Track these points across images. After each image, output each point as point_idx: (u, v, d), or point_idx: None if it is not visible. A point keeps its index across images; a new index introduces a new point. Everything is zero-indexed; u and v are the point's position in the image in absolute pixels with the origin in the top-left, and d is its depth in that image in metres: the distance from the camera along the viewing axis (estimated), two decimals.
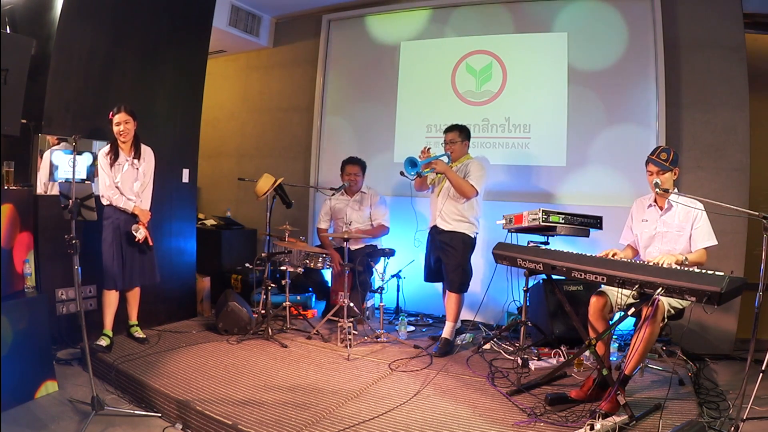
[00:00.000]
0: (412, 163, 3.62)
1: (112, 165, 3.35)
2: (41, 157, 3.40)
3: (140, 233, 3.37)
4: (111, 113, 3.33)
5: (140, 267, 3.48)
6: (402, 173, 3.71)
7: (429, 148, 3.72)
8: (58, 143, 3.44)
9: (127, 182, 3.41)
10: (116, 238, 3.37)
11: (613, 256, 2.79)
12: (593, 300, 2.76)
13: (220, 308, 3.90)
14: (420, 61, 4.97)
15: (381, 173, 4.94)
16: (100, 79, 3.65)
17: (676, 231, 2.86)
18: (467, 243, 3.69)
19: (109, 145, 3.39)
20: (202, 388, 2.83)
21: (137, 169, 3.45)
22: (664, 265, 2.49)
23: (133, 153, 3.43)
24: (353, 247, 4.25)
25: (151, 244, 3.48)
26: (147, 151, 3.52)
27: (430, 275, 3.89)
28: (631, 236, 3.06)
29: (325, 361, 3.37)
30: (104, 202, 3.35)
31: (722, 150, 3.95)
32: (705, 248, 2.79)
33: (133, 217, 3.41)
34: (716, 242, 2.79)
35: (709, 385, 3.12)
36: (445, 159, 3.75)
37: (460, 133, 3.75)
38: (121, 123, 3.32)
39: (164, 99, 4.12)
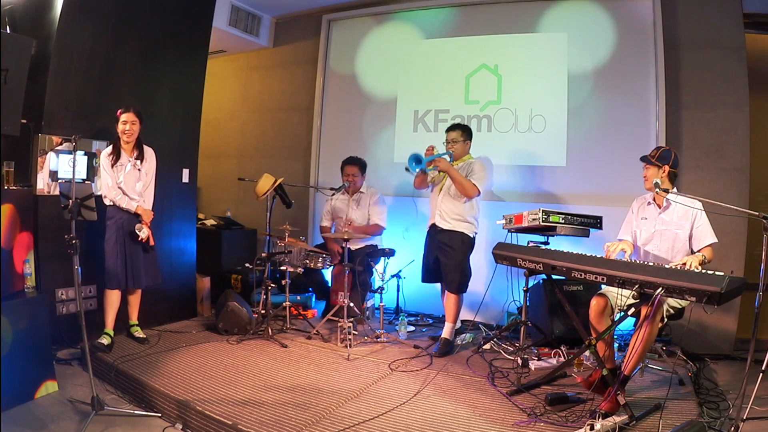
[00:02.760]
0: (416, 159, 3.62)
1: (114, 165, 3.36)
2: (42, 157, 3.39)
3: (143, 232, 3.38)
4: (119, 111, 3.34)
5: (144, 267, 3.48)
6: (407, 169, 3.70)
7: (433, 147, 3.71)
8: (62, 143, 3.43)
9: (129, 182, 3.41)
10: (119, 237, 3.37)
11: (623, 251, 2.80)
12: (594, 302, 2.76)
13: (220, 308, 3.90)
14: (420, 61, 4.96)
15: (381, 173, 4.94)
16: (100, 79, 3.65)
17: (674, 228, 2.89)
18: (466, 243, 3.69)
19: (111, 145, 3.40)
20: (202, 388, 2.83)
21: (139, 169, 3.46)
22: (692, 267, 2.50)
23: (135, 154, 3.45)
24: (353, 247, 4.25)
25: (152, 244, 3.49)
26: (149, 152, 3.54)
27: (429, 275, 3.88)
28: (630, 232, 3.07)
29: (325, 361, 3.37)
30: (107, 202, 3.36)
31: (722, 150, 3.95)
32: (709, 247, 2.81)
33: (136, 217, 3.42)
34: (717, 240, 2.83)
35: (709, 385, 3.12)
36: (447, 158, 3.74)
37: (462, 132, 3.75)
38: (128, 122, 3.34)
39: (164, 99, 4.12)
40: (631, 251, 2.90)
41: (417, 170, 3.64)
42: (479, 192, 3.64)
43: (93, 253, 3.36)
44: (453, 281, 3.65)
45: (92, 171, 3.52)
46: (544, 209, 3.44)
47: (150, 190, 3.55)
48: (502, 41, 4.65)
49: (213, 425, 2.49)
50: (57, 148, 3.40)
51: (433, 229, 3.79)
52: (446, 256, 3.66)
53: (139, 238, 3.38)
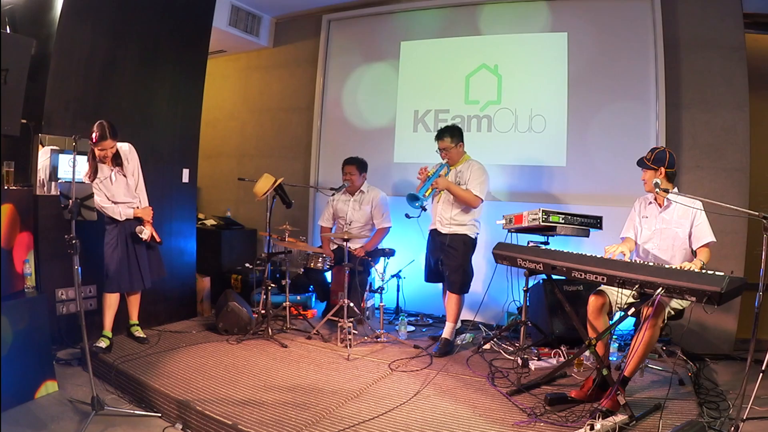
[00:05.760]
0: (413, 197, 3.55)
1: (95, 181, 3.28)
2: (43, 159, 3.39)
3: (145, 234, 3.38)
4: (94, 136, 3.11)
5: (150, 266, 3.48)
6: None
7: (425, 168, 3.65)
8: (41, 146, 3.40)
9: (120, 192, 3.37)
10: (122, 241, 3.36)
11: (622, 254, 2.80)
12: (592, 299, 2.76)
13: (220, 308, 3.91)
14: (420, 61, 4.97)
15: (381, 174, 4.94)
16: (100, 79, 3.65)
17: (674, 227, 2.91)
18: (468, 244, 3.69)
19: (87, 165, 3.27)
20: (202, 388, 2.83)
21: (124, 175, 3.39)
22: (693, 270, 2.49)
23: (114, 162, 3.34)
24: (353, 247, 4.25)
25: (159, 240, 3.49)
26: (126, 151, 3.41)
27: (431, 276, 3.89)
28: (633, 228, 3.09)
29: (325, 361, 3.37)
30: (104, 212, 3.32)
31: (722, 150, 3.95)
32: (707, 246, 2.82)
33: (137, 219, 3.42)
34: (715, 239, 2.84)
35: (709, 385, 3.12)
36: (444, 170, 3.71)
37: (452, 138, 3.68)
38: (107, 149, 3.20)
39: (164, 99, 4.12)
40: (629, 254, 2.90)
41: (418, 206, 3.57)
42: (482, 200, 3.64)
43: (93, 253, 3.35)
44: (455, 282, 3.65)
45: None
46: (544, 209, 3.44)
47: (141, 187, 3.50)
48: (502, 41, 4.65)
49: (213, 425, 2.49)
50: (49, 147, 3.37)
51: (435, 232, 3.79)
52: (449, 257, 3.66)
53: (143, 240, 3.38)
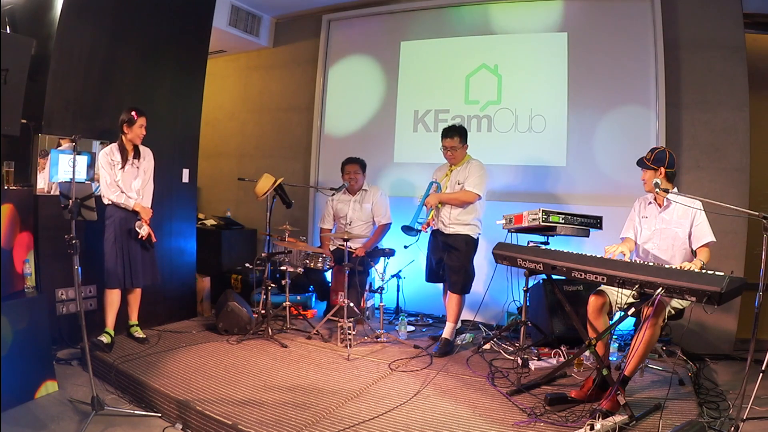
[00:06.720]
0: (408, 228, 3.64)
1: (112, 165, 3.36)
2: (44, 159, 3.39)
3: (143, 230, 3.39)
4: (134, 113, 3.34)
5: (142, 266, 3.49)
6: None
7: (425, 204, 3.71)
8: (71, 142, 3.42)
9: (127, 180, 3.42)
10: (118, 236, 3.38)
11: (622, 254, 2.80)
12: (592, 299, 2.76)
13: (220, 308, 3.91)
14: (420, 61, 4.97)
15: (381, 173, 4.94)
16: (100, 78, 3.65)
17: (674, 227, 2.91)
18: (470, 244, 3.69)
19: (110, 145, 3.41)
20: (202, 388, 2.83)
21: (137, 168, 3.47)
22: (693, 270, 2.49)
23: (134, 153, 3.47)
24: (354, 246, 4.25)
25: (154, 240, 3.50)
26: (147, 151, 3.56)
27: (432, 276, 3.89)
28: (633, 228, 3.09)
29: (325, 361, 3.37)
30: (105, 201, 3.35)
31: (722, 150, 3.95)
32: (707, 245, 2.82)
33: (135, 215, 3.43)
34: (715, 239, 2.84)
35: (709, 385, 3.12)
36: (435, 187, 3.75)
37: (460, 137, 3.71)
38: (143, 126, 3.39)
39: (164, 99, 4.12)
40: (629, 254, 2.91)
41: (416, 233, 3.66)
42: (479, 196, 3.64)
43: (93, 252, 3.36)
44: (456, 282, 3.65)
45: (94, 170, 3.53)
46: (544, 209, 3.44)
47: (149, 188, 3.56)
48: (502, 41, 4.65)
49: (213, 425, 2.49)
50: (61, 147, 3.39)
51: (437, 232, 3.79)
52: (450, 258, 3.66)
53: (140, 236, 3.38)
